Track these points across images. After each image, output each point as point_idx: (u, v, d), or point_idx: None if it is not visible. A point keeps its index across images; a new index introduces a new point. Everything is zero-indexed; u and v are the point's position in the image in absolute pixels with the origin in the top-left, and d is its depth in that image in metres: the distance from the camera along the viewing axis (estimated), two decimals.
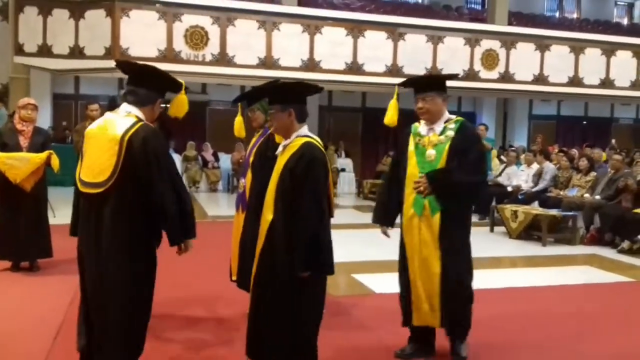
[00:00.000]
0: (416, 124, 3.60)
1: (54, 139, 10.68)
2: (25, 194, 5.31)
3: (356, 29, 13.08)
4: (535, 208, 8.66)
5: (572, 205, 8.28)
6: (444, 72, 12.78)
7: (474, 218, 9.79)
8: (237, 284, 4.13)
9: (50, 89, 13.98)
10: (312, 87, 3.07)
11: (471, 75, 13.86)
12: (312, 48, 12.78)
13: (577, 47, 14.74)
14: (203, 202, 11.50)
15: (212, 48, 12.16)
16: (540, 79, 14.48)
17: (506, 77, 14.23)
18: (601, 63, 14.95)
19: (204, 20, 12.11)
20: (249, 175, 4.07)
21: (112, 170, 2.70)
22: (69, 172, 3.02)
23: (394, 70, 13.11)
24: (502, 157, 12.38)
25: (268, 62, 12.49)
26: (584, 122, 19.06)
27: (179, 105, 3.07)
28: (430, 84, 3.58)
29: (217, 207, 11.54)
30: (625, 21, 20.74)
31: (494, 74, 14.13)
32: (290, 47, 12.58)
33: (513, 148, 12.26)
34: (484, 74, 14.03)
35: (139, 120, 2.80)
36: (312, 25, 12.80)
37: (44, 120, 12.27)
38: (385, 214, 3.66)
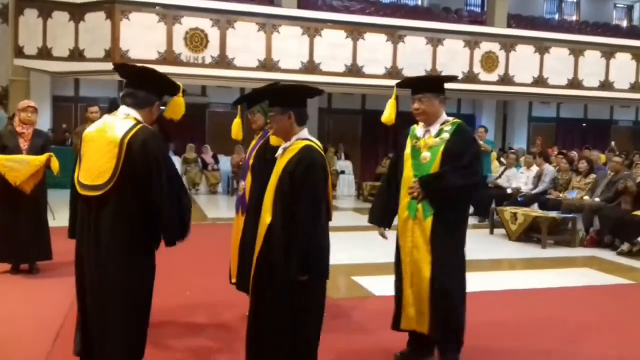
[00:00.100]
0: (415, 125, 3.57)
1: (54, 142, 10.69)
2: (24, 196, 5.31)
3: (356, 31, 13.11)
4: (534, 210, 8.66)
5: (571, 208, 8.28)
6: (444, 74, 12.78)
7: (474, 220, 9.81)
8: (236, 287, 4.13)
9: (50, 92, 13.99)
10: (313, 89, 3.06)
11: (471, 77, 13.88)
12: (311, 50, 12.80)
13: (577, 50, 14.77)
14: (203, 205, 11.50)
15: (212, 50, 12.19)
16: (539, 81, 14.50)
17: (506, 79, 14.25)
18: (600, 65, 14.98)
19: (204, 23, 12.13)
20: (249, 177, 4.08)
21: (111, 172, 2.70)
22: (69, 174, 3.02)
23: (393, 72, 13.12)
24: (502, 159, 12.40)
25: (268, 64, 12.51)
26: (584, 125, 19.08)
27: (176, 108, 3.05)
28: (427, 84, 3.53)
29: (216, 209, 11.54)
30: (624, 23, 20.75)
31: (494, 76, 14.15)
32: (290, 50, 12.60)
33: (513, 150, 12.27)
34: (483, 76, 14.05)
35: (138, 122, 2.80)
36: (312, 28, 12.82)
37: (44, 122, 12.28)
38: (383, 215, 3.62)
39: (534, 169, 9.91)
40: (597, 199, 8.26)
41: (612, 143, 15.49)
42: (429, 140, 3.42)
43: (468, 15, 17.69)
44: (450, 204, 3.34)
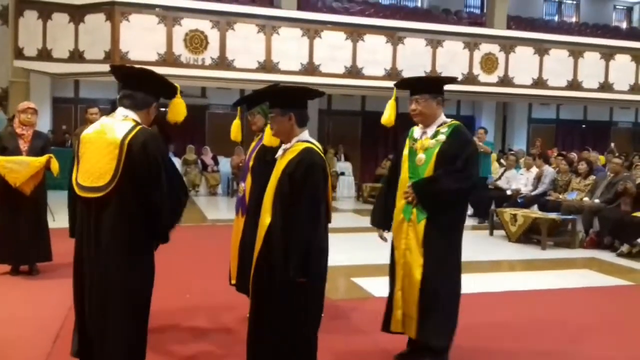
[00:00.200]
0: (414, 127, 3.55)
1: (54, 143, 10.68)
2: (24, 198, 5.31)
3: (355, 32, 13.11)
4: (534, 211, 8.66)
5: (571, 209, 8.28)
6: (443, 75, 12.78)
7: (474, 221, 9.82)
8: (236, 288, 4.13)
9: (50, 93, 13.99)
10: (314, 91, 3.06)
11: (470, 79, 13.89)
12: (311, 52, 12.81)
13: (576, 51, 14.78)
14: (202, 206, 11.50)
15: (212, 52, 12.18)
16: (539, 82, 14.51)
17: (505, 80, 14.26)
18: (600, 67, 14.99)
19: (204, 24, 12.14)
20: (249, 179, 4.08)
21: (112, 174, 2.69)
22: (69, 175, 3.01)
23: (393, 74, 13.12)
24: (502, 160, 12.40)
25: (267, 65, 12.52)
26: (583, 126, 19.09)
27: (177, 110, 3.02)
28: (424, 85, 3.51)
29: (216, 210, 11.54)
30: (624, 25, 20.76)
31: (493, 78, 14.16)
32: (290, 51, 12.60)
33: (512, 152, 12.27)
34: (483, 77, 14.06)
35: (137, 124, 2.80)
36: (312, 29, 12.83)
37: (44, 124, 12.28)
38: (384, 217, 3.59)
39: (534, 170, 9.92)
40: (596, 201, 8.26)
41: (612, 144, 15.52)
42: (425, 142, 3.40)
43: (468, 17, 17.70)
44: (444, 207, 3.31)
